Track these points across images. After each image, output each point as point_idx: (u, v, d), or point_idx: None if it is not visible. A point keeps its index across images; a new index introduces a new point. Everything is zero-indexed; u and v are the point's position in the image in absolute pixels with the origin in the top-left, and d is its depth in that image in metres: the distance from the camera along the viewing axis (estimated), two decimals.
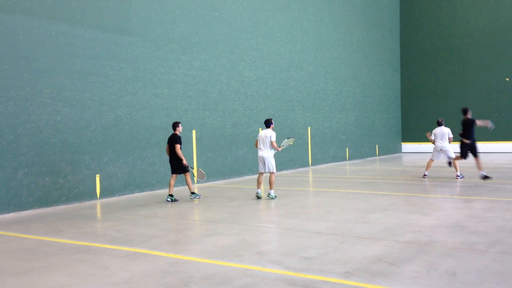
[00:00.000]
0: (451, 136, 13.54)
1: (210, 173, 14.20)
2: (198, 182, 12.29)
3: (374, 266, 5.14)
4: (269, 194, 10.41)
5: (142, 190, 12.05)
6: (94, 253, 6.02)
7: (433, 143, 13.66)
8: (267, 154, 10.29)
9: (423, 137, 27.30)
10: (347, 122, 22.10)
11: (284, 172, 16.70)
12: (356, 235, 6.65)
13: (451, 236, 6.43)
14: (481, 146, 25.09)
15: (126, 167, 11.68)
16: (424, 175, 13.92)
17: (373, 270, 5.00)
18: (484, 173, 12.48)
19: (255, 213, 8.86)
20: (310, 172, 17.00)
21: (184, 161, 10.29)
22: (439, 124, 13.75)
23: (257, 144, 10.51)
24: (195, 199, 10.54)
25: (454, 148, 13.75)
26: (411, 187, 11.99)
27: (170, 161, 10.50)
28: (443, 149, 13.55)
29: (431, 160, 13.90)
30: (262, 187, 10.70)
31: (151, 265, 5.41)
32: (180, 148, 10.25)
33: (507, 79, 11.39)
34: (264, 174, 11.00)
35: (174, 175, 10.48)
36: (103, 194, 11.08)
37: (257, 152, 10.54)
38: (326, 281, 4.69)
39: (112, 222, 8.17)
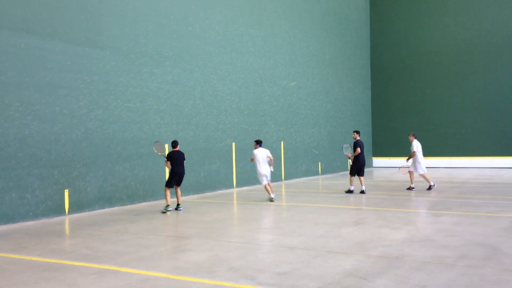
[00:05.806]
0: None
1: (183, 188, 14.05)
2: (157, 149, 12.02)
3: (346, 280, 5.17)
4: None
5: (112, 205, 11.84)
6: (62, 271, 5.86)
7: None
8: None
9: (393, 152, 27.85)
10: (320, 137, 22.34)
11: (257, 186, 16.70)
12: (328, 249, 6.69)
13: (421, 250, 6.53)
14: (449, 161, 25.98)
15: (96, 182, 11.47)
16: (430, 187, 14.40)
17: (345, 284, 5.03)
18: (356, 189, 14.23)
19: (228, 228, 8.82)
20: (283, 186, 17.05)
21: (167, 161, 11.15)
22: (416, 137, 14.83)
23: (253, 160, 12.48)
24: (168, 212, 10.80)
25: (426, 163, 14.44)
26: (382, 201, 12.16)
27: (180, 175, 11.12)
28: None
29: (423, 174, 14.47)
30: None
31: (121, 282, 5.30)
32: (166, 162, 11.22)
33: (292, 83, 12.40)
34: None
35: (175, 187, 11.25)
36: (72, 210, 10.84)
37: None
38: None
39: (81, 239, 7.99)
